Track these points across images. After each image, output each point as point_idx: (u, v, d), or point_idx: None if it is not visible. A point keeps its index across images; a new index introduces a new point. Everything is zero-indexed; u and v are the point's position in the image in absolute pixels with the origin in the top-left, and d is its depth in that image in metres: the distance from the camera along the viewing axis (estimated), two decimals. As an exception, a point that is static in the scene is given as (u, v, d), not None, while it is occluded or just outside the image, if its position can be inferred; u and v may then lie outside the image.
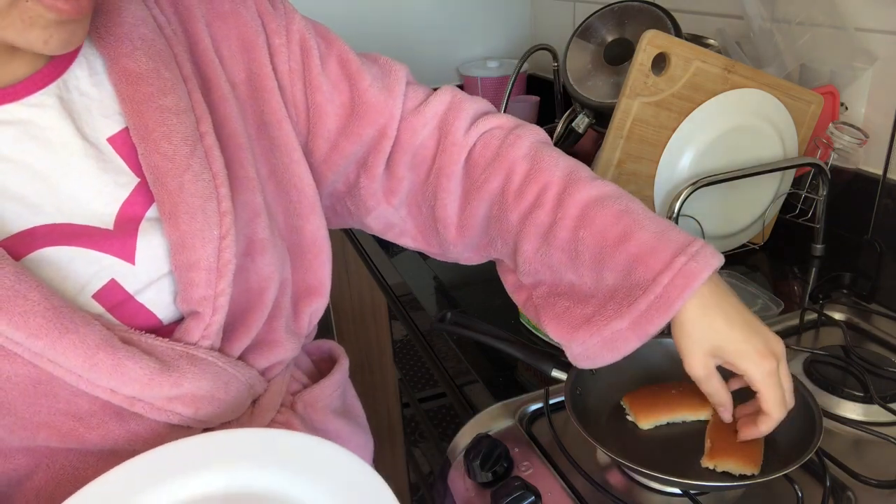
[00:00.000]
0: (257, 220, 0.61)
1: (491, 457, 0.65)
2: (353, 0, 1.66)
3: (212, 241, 0.55)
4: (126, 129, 0.54)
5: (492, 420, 0.73)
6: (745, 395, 0.69)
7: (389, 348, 1.33)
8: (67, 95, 0.53)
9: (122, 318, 0.54)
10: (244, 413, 0.62)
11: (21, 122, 0.51)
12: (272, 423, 0.64)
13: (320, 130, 0.67)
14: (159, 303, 0.56)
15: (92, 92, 0.54)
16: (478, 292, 1.05)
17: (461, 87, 1.80)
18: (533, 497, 0.60)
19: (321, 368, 0.76)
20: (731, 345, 0.57)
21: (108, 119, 0.54)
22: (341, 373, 0.74)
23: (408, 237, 0.74)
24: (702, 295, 0.57)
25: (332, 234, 1.58)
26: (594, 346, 0.60)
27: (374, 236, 1.23)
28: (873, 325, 0.85)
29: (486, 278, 1.10)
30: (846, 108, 1.04)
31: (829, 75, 1.05)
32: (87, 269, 0.52)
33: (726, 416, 0.63)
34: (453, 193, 0.68)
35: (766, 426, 0.59)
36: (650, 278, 0.57)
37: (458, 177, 0.68)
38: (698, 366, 0.59)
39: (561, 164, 0.65)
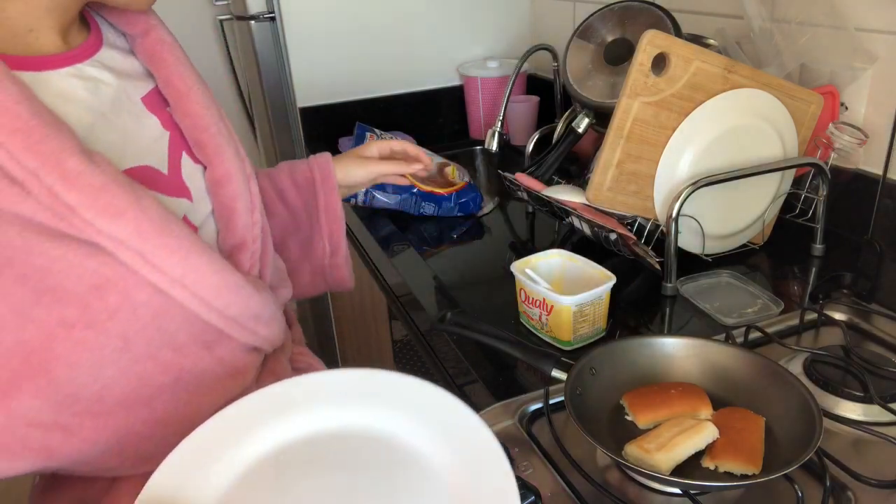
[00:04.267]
0: (247, 161, 0.71)
1: (491, 457, 0.65)
2: (354, 0, 1.66)
3: (244, 179, 0.66)
4: (155, 90, 0.65)
5: (492, 420, 0.73)
6: (739, 399, 0.69)
7: (389, 348, 1.33)
8: (111, 64, 0.61)
9: None
10: (286, 341, 0.74)
11: (93, 79, 0.58)
12: (294, 354, 0.77)
13: None
14: (211, 239, 0.64)
15: (125, 65, 0.63)
16: (478, 292, 1.05)
17: (461, 87, 1.80)
18: (533, 497, 0.60)
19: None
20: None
21: (141, 82, 0.64)
22: (298, 326, 0.88)
23: None
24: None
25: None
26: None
27: (373, 236, 1.23)
28: (873, 325, 0.85)
29: (486, 278, 1.10)
30: (846, 108, 1.04)
31: (829, 75, 1.05)
32: (171, 209, 0.59)
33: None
34: None
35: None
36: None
37: None
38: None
39: None
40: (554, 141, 1.24)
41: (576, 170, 1.39)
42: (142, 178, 0.57)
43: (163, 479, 0.49)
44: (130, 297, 0.53)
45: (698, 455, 0.63)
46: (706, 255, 1.02)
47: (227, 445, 0.51)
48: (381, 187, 1.27)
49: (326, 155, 0.89)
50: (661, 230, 0.98)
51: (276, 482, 0.49)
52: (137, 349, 0.55)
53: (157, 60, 0.64)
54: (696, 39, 1.10)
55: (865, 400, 0.71)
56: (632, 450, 0.63)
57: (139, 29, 0.64)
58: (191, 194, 0.63)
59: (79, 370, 0.52)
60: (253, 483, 0.49)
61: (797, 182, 1.08)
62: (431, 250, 1.20)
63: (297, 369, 0.76)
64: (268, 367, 0.69)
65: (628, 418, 0.69)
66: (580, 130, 1.16)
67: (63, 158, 0.49)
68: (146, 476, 0.49)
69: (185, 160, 0.64)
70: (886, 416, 0.69)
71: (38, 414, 0.52)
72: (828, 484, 0.60)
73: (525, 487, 0.61)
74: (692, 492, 0.61)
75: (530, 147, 1.36)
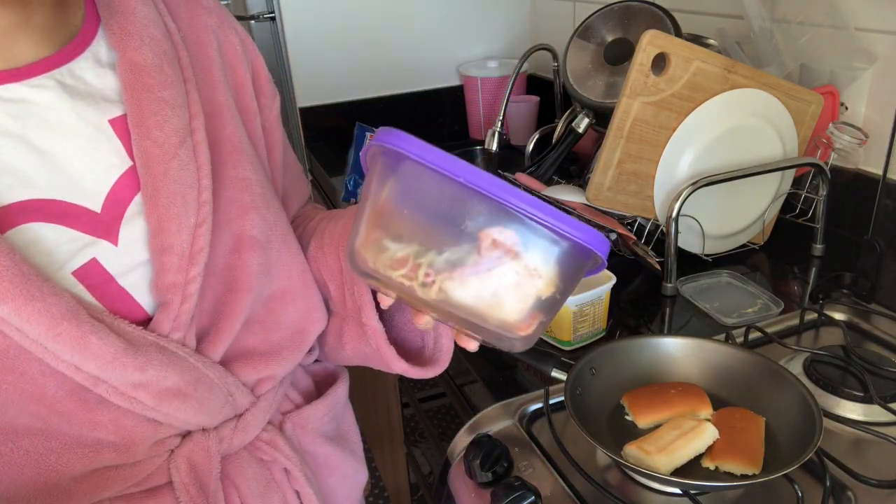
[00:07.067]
0: (246, 217, 0.61)
1: (491, 457, 0.65)
2: (354, 0, 1.66)
3: (187, 228, 0.56)
4: (125, 116, 0.56)
5: (492, 420, 0.73)
6: (739, 399, 0.69)
7: (389, 348, 1.33)
8: (71, 82, 0.55)
9: (102, 300, 0.54)
10: (227, 425, 0.61)
11: (22, 101, 0.53)
12: (256, 441, 0.63)
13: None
14: (139, 289, 0.56)
15: (95, 82, 0.57)
16: (478, 292, 1.04)
17: (461, 87, 1.80)
18: (533, 497, 0.60)
19: (321, 391, 0.73)
20: None
21: (111, 104, 0.57)
22: (335, 396, 0.72)
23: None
24: None
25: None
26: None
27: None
28: (873, 325, 0.85)
29: (486, 278, 1.10)
30: (846, 108, 1.04)
31: (829, 75, 1.05)
32: (70, 247, 0.53)
33: None
34: None
35: None
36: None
37: None
38: None
39: None
40: (554, 141, 1.24)
41: (576, 170, 1.39)
42: (48, 209, 0.53)
43: None
44: None
45: (698, 455, 0.63)
46: (706, 255, 1.02)
47: None
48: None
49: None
50: (661, 230, 0.98)
51: None
52: None
53: (124, 86, 0.56)
54: (696, 39, 1.10)
55: (865, 400, 0.71)
56: (632, 451, 0.63)
57: (117, 45, 0.57)
58: (118, 239, 0.55)
59: None
60: None
61: (797, 182, 1.08)
62: (431, 250, 1.20)
63: (260, 459, 0.64)
64: (187, 449, 0.59)
65: (628, 418, 0.69)
66: (580, 130, 1.16)
67: None
68: None
69: (140, 198, 0.56)
70: (886, 416, 0.69)
71: None
72: (828, 484, 0.60)
73: (525, 487, 0.61)
74: (692, 492, 0.61)
75: (530, 147, 1.36)
